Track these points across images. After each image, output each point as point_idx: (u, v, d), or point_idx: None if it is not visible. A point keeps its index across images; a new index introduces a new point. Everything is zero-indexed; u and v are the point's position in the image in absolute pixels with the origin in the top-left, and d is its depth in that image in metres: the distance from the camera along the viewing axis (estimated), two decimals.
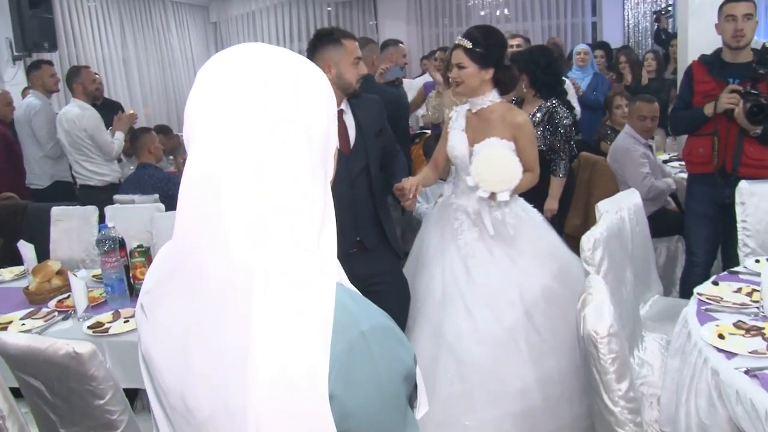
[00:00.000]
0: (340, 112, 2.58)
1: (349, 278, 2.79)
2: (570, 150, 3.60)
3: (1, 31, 6.83)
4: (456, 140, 2.82)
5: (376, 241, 2.74)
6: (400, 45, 5.23)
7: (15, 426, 1.89)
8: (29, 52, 6.74)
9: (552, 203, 3.51)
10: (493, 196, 2.64)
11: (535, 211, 2.92)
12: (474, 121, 2.80)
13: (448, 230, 2.84)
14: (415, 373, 0.86)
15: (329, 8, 11.52)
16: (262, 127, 0.77)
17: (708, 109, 3.20)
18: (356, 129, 2.63)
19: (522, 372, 2.61)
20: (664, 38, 7.23)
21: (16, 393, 1.92)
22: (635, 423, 1.55)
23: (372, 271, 2.66)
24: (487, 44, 2.70)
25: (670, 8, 7.19)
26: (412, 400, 0.88)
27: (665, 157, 5.05)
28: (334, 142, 0.89)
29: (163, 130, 6.13)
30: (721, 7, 3.23)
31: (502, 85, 2.79)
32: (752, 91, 3.06)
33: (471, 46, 2.69)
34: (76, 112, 4.74)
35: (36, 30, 6.66)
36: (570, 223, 4.04)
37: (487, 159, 2.66)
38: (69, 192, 5.16)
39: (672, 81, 5.66)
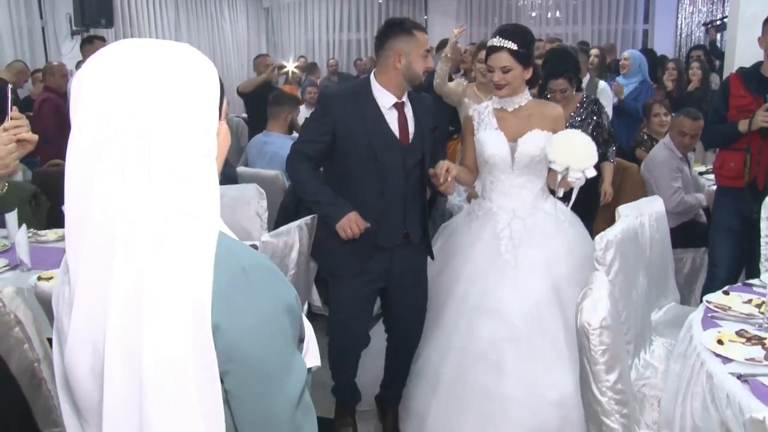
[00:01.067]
0: (401, 105, 2.58)
1: (379, 273, 2.72)
2: (614, 137, 3.81)
3: (62, 7, 7.13)
4: (492, 139, 2.75)
5: (420, 237, 2.71)
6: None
7: (48, 370, 2.04)
8: (87, 28, 7.00)
9: (608, 186, 3.67)
10: (568, 172, 2.58)
11: (578, 219, 2.89)
12: (509, 119, 2.75)
13: (484, 237, 2.75)
14: (297, 310, 0.95)
15: (380, 1, 11.61)
16: (148, 120, 0.87)
17: (743, 126, 3.19)
18: (415, 123, 2.61)
19: (559, 383, 2.50)
20: (713, 50, 7.12)
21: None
22: (621, 414, 1.61)
23: (404, 267, 2.68)
24: (527, 44, 2.68)
25: (722, 20, 7.06)
26: (298, 341, 0.98)
27: (702, 168, 5.02)
28: (214, 122, 0.95)
29: None
30: (766, 21, 3.20)
31: (529, 83, 2.79)
32: None
33: (516, 48, 2.63)
34: None
35: (95, 7, 6.93)
36: (597, 227, 4.06)
37: (564, 138, 2.61)
38: None
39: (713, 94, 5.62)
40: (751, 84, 3.27)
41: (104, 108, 0.87)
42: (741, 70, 3.40)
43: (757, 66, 3.30)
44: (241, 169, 4.51)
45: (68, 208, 0.91)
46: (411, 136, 2.59)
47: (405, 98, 2.60)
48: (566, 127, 3.58)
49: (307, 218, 2.77)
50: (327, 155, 2.58)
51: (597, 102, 3.73)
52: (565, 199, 2.77)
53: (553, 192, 2.78)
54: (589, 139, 2.65)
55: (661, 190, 3.95)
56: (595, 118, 3.66)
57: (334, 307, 2.76)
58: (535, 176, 2.77)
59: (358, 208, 2.52)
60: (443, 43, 5.46)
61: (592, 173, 2.58)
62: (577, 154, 2.54)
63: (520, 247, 2.67)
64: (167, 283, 0.85)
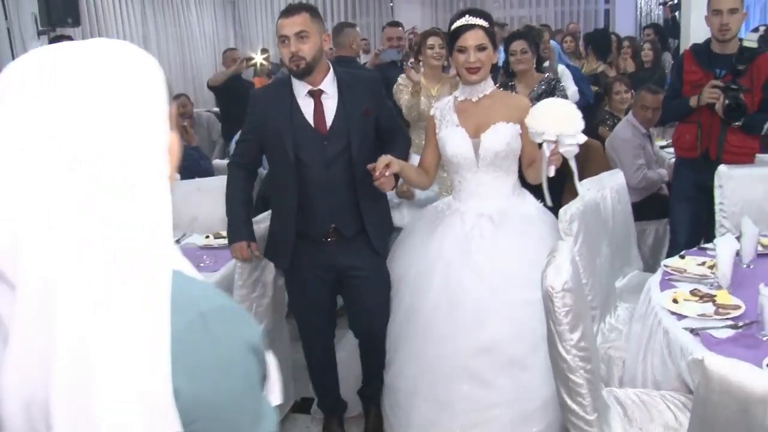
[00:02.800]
0: (318, 93, 2.49)
1: (324, 267, 2.63)
2: None
3: (27, 6, 7.06)
4: (453, 137, 2.56)
5: (355, 231, 2.57)
6: (397, 27, 5.33)
7: None
8: (53, 27, 6.95)
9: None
10: (558, 140, 2.27)
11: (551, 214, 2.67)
12: (472, 110, 2.57)
13: (450, 238, 2.55)
14: (261, 349, 0.84)
15: None
16: (84, 132, 0.72)
17: (693, 101, 3.35)
18: (338, 109, 2.50)
19: (542, 386, 2.35)
20: (668, 28, 7.31)
21: None
22: (585, 370, 1.75)
23: (348, 263, 2.58)
24: (493, 24, 2.56)
25: None
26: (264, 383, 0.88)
27: (663, 143, 5.20)
28: (164, 138, 0.79)
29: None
30: (709, 1, 3.36)
31: (494, 70, 2.80)
32: (732, 86, 3.21)
33: (488, 26, 2.49)
34: None
35: (60, 5, 6.87)
36: (565, 201, 4.22)
37: (548, 106, 2.32)
38: None
39: (662, 71, 5.87)
40: (702, 60, 3.43)
41: (22, 131, 0.71)
42: (693, 46, 3.56)
43: (708, 42, 3.46)
44: (216, 161, 4.59)
45: None
46: (329, 124, 2.49)
47: (327, 85, 2.50)
48: None
49: None
50: (257, 154, 2.64)
51: (556, 80, 3.88)
52: (556, 185, 2.59)
53: (526, 186, 2.67)
54: (568, 101, 2.49)
55: (625, 166, 4.11)
56: (548, 93, 3.75)
57: (292, 300, 2.81)
58: (504, 172, 2.58)
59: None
60: (387, 24, 5.49)
61: (583, 138, 2.31)
62: (564, 118, 2.27)
63: (492, 247, 2.49)
64: (116, 346, 0.70)
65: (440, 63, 3.77)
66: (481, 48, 2.46)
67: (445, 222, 2.61)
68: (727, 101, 3.20)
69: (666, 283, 2.31)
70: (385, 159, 2.38)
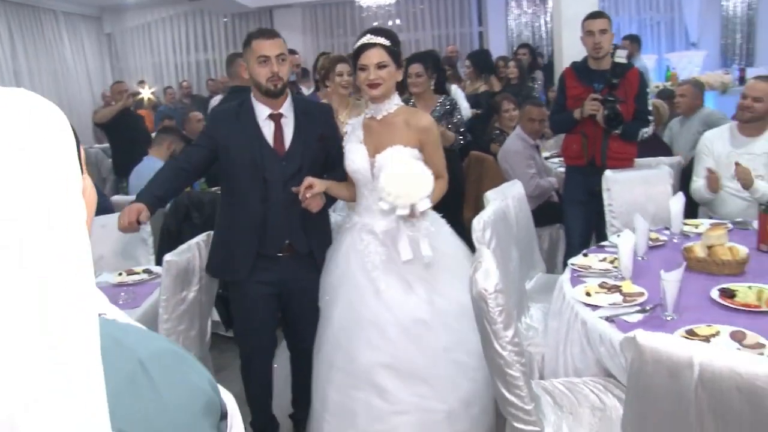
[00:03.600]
0: (278, 116, 2.61)
1: (273, 282, 2.71)
2: (462, 132, 4.20)
3: None
4: (354, 153, 2.60)
5: (307, 248, 2.70)
6: (294, 55, 5.48)
7: None
8: None
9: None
10: (413, 209, 2.38)
11: (441, 220, 2.71)
12: (376, 128, 2.60)
13: (353, 254, 2.61)
14: (215, 398, 0.79)
15: (225, 19, 11.63)
16: None
17: (576, 114, 3.68)
18: (295, 133, 2.62)
19: (445, 396, 2.49)
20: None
21: None
22: (521, 363, 1.89)
23: (295, 275, 2.69)
24: (396, 43, 2.59)
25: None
26: (220, 419, 0.80)
27: (547, 154, 5.58)
28: (77, 180, 0.71)
29: None
30: (582, 23, 3.71)
31: (401, 87, 2.75)
32: (609, 98, 3.56)
33: (389, 44, 2.52)
34: None
35: None
36: (466, 215, 4.45)
37: (393, 174, 2.39)
38: None
39: (532, 88, 6.45)
40: (581, 76, 3.77)
41: None
42: (573, 64, 3.89)
43: (585, 60, 3.80)
44: (115, 198, 4.47)
45: None
46: (287, 147, 2.62)
47: (285, 109, 2.62)
48: None
49: (203, 236, 2.87)
50: (202, 163, 2.67)
51: (452, 102, 4.16)
52: None
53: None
54: (422, 168, 2.43)
55: (519, 177, 4.37)
56: (450, 118, 4.10)
57: (235, 314, 2.85)
58: None
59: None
60: (290, 51, 5.65)
61: (424, 206, 2.40)
62: (405, 186, 2.36)
63: (386, 264, 2.54)
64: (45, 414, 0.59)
65: (348, 91, 3.87)
66: (381, 66, 2.48)
67: (347, 236, 2.67)
68: (606, 112, 3.54)
69: (576, 280, 2.52)
70: (306, 181, 2.52)
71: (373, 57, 2.49)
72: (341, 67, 3.80)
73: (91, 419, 0.61)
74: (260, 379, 2.86)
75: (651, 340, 1.38)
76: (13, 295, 0.60)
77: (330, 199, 2.84)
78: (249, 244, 2.63)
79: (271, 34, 2.59)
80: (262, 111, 2.62)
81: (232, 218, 2.70)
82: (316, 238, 2.73)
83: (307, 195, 2.52)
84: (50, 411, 0.59)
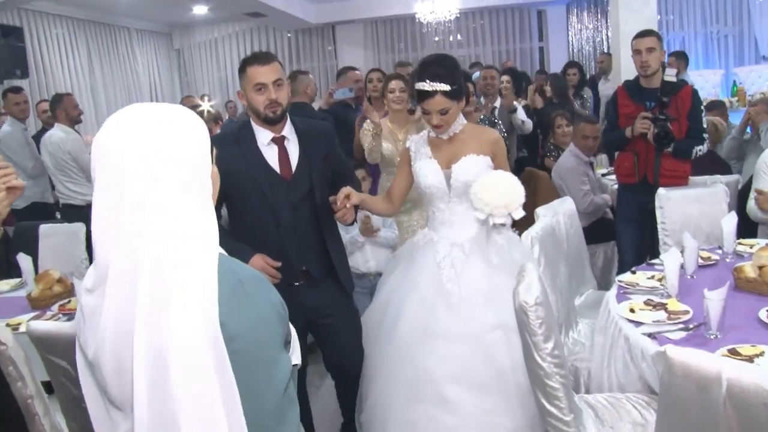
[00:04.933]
0: (281, 139, 2.56)
1: (297, 309, 2.48)
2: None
3: None
4: (428, 169, 2.68)
5: (324, 272, 2.62)
6: (355, 72, 5.61)
7: (41, 405, 2.20)
8: (1, 80, 6.98)
9: None
10: (509, 218, 2.49)
11: (514, 233, 2.78)
12: (444, 144, 2.70)
13: (424, 269, 2.65)
14: (284, 314, 1.21)
15: (289, 35, 11.94)
16: (160, 174, 1.09)
17: (628, 132, 3.70)
18: (300, 155, 2.58)
19: (513, 412, 2.45)
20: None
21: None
22: (561, 375, 1.94)
23: (320, 302, 2.61)
24: (457, 78, 2.60)
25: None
26: (286, 341, 1.24)
27: (603, 171, 5.56)
28: (209, 167, 1.19)
29: None
30: (631, 41, 3.74)
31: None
32: (660, 117, 3.57)
33: (449, 88, 2.55)
34: (60, 136, 5.09)
35: (8, 58, 6.92)
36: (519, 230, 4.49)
37: (486, 183, 2.49)
38: (45, 212, 5.43)
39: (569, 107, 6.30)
40: (633, 94, 3.79)
41: (125, 159, 1.09)
42: (625, 83, 3.92)
43: (637, 79, 3.82)
44: None
45: (97, 243, 1.12)
46: (293, 170, 2.56)
47: (288, 132, 2.58)
48: None
49: None
50: (222, 198, 2.47)
51: (491, 122, 4.16)
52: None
53: None
54: (511, 178, 2.54)
55: (573, 194, 4.40)
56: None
57: None
58: None
59: (252, 245, 2.50)
60: (344, 70, 5.81)
61: (519, 214, 2.48)
62: (499, 195, 2.46)
63: (462, 276, 2.57)
64: (184, 296, 1.07)
65: (402, 107, 3.87)
66: (443, 112, 2.57)
67: (421, 252, 2.72)
68: (656, 130, 3.54)
69: (622, 296, 2.55)
70: (345, 190, 2.49)
71: (435, 105, 2.57)
72: (393, 84, 3.81)
73: (206, 308, 1.07)
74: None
75: (680, 354, 1.42)
76: (168, 231, 1.09)
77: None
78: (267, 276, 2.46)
79: (266, 59, 2.51)
80: (264, 136, 2.55)
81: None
82: (339, 261, 2.66)
83: (346, 204, 2.49)
84: (183, 296, 1.06)
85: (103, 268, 1.11)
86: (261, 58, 2.52)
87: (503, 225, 2.52)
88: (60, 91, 7.48)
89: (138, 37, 10.64)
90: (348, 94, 5.08)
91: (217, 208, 2.55)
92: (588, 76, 8.11)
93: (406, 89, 3.69)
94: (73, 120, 5.21)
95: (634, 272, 2.81)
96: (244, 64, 2.52)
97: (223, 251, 1.17)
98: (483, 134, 2.73)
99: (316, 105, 5.95)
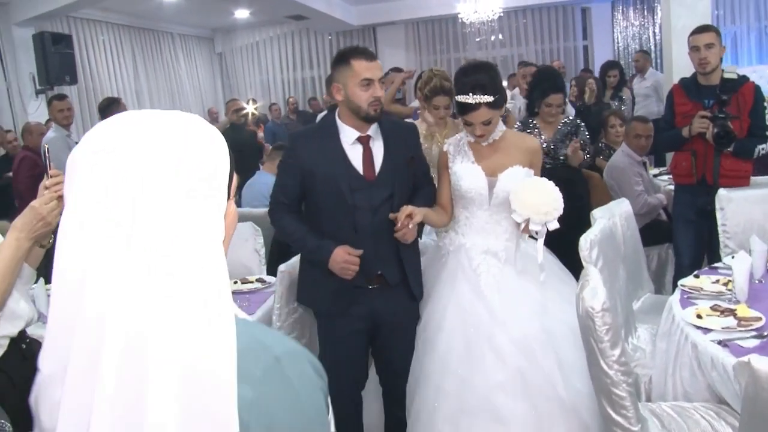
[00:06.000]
0: (367, 138, 2.46)
1: (367, 312, 2.56)
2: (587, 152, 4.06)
3: (26, 67, 7.24)
4: (469, 172, 2.62)
5: (399, 278, 2.54)
6: (399, 72, 5.58)
7: None
8: (51, 86, 7.12)
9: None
10: (543, 226, 2.45)
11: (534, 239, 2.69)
12: (485, 151, 2.64)
13: (461, 276, 2.61)
14: (325, 386, 0.91)
15: (330, 37, 11.97)
16: (154, 195, 0.77)
17: (685, 132, 3.56)
18: (385, 156, 2.48)
19: (566, 420, 2.40)
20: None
21: None
22: (627, 383, 1.87)
23: (390, 307, 2.53)
24: (498, 86, 2.56)
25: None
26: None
27: (656, 171, 5.42)
28: (223, 201, 0.85)
29: None
30: (688, 38, 3.60)
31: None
32: (720, 115, 3.43)
33: (492, 99, 2.49)
34: None
35: (58, 65, 7.06)
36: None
37: (529, 189, 2.46)
38: None
39: (608, 105, 6.24)
40: (690, 92, 3.65)
41: (102, 187, 0.77)
42: (682, 80, 3.78)
43: (695, 75, 3.68)
44: None
45: (55, 299, 0.78)
46: (377, 171, 2.47)
47: (373, 131, 2.48)
48: (547, 146, 3.89)
49: None
50: (299, 195, 2.53)
51: (578, 123, 3.97)
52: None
53: None
54: (553, 190, 2.47)
55: (627, 194, 4.28)
56: (573, 134, 3.93)
57: (323, 348, 2.67)
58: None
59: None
60: (393, 69, 5.76)
61: (554, 226, 2.44)
62: (542, 203, 2.42)
63: (501, 283, 2.55)
64: (180, 401, 0.73)
65: (444, 122, 3.55)
66: (486, 123, 2.53)
67: (452, 258, 2.67)
68: (715, 129, 3.41)
69: (686, 301, 2.45)
70: (406, 209, 2.39)
71: (479, 117, 2.51)
72: (438, 101, 3.45)
73: (224, 404, 0.74)
74: (350, 411, 2.68)
75: (767, 365, 1.34)
76: (166, 298, 0.74)
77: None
78: (337, 275, 2.43)
79: (372, 54, 2.45)
80: (349, 134, 2.45)
81: None
82: (409, 265, 2.57)
83: (409, 225, 2.40)
84: (178, 402, 0.73)
85: (61, 350, 0.77)
86: (367, 53, 2.44)
87: (536, 232, 2.48)
88: (107, 96, 7.63)
89: (181, 41, 10.79)
90: (397, 95, 5.05)
91: (297, 207, 2.58)
92: (628, 76, 7.95)
93: (450, 106, 3.43)
94: None
95: (697, 276, 2.71)
96: (346, 56, 2.41)
97: (242, 315, 0.89)
98: (524, 142, 2.70)
99: None
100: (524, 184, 2.48)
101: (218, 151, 0.85)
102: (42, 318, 3.04)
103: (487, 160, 2.63)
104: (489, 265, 2.59)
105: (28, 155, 5.60)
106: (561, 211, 2.44)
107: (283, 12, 9.83)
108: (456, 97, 2.57)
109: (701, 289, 2.56)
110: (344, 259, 2.38)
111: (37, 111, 7.13)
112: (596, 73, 7.62)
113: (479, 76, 2.51)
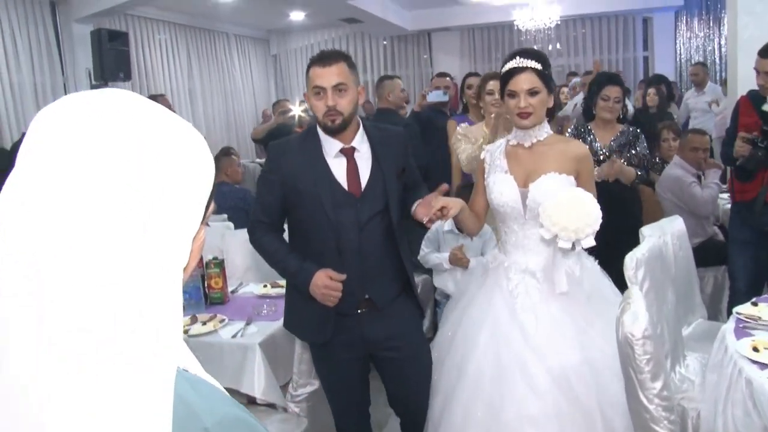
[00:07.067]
0: (351, 150, 2.26)
1: (357, 340, 2.35)
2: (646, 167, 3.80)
3: (82, 62, 7.39)
4: (502, 185, 2.40)
5: (392, 298, 2.35)
6: (445, 78, 5.37)
7: None
8: (106, 82, 7.22)
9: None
10: (574, 244, 2.18)
11: (591, 258, 2.51)
12: (524, 157, 2.42)
13: (497, 294, 2.41)
14: None
15: (385, 42, 11.91)
16: (97, 197, 0.62)
17: (734, 150, 3.34)
18: (373, 168, 2.28)
19: None
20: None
21: None
22: (669, 420, 1.70)
23: (384, 333, 2.34)
24: (548, 65, 2.38)
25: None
26: None
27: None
28: (195, 221, 0.72)
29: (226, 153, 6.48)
30: (760, 52, 3.34)
31: (551, 113, 2.49)
32: (760, 144, 3.22)
33: (541, 68, 2.31)
34: None
35: (113, 61, 7.15)
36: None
37: (561, 202, 2.18)
38: None
39: (670, 115, 6.12)
40: (757, 104, 3.41)
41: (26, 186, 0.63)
42: (750, 92, 3.54)
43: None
44: None
45: None
46: (363, 186, 2.27)
47: (358, 142, 2.28)
48: (603, 152, 3.67)
49: None
50: (281, 213, 2.34)
51: (637, 134, 3.70)
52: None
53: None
54: (591, 201, 2.20)
55: (686, 200, 4.08)
56: (631, 149, 3.65)
57: (319, 374, 2.54)
58: None
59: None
60: (438, 76, 5.59)
61: (588, 244, 2.17)
62: (573, 218, 2.15)
63: (539, 306, 2.33)
64: None
65: (502, 110, 3.31)
66: (533, 92, 2.30)
67: (491, 276, 2.49)
68: (743, 157, 3.24)
69: (741, 331, 2.24)
70: (439, 201, 2.18)
71: (523, 83, 2.30)
72: (493, 84, 3.39)
73: None
74: (353, 426, 2.56)
75: None
76: (98, 338, 0.60)
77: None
78: (325, 305, 2.24)
79: (328, 59, 2.19)
80: (331, 146, 2.25)
81: None
82: (402, 283, 2.39)
83: (438, 216, 2.18)
84: None
85: None
86: (323, 57, 2.21)
87: (569, 250, 2.21)
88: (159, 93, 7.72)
89: (237, 42, 10.86)
90: (442, 97, 4.87)
91: (279, 225, 2.38)
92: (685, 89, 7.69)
93: None
94: None
95: (755, 304, 2.49)
96: (310, 64, 2.23)
97: (184, 359, 0.71)
98: (569, 148, 2.41)
99: (409, 108, 5.82)
100: (556, 197, 2.20)
101: (204, 163, 0.73)
102: None
103: (523, 167, 2.39)
104: (527, 286, 2.37)
105: None
106: (596, 228, 2.15)
107: (338, 15, 9.78)
108: (502, 69, 2.39)
109: (759, 318, 2.34)
110: (325, 283, 2.18)
111: None
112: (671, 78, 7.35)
113: (529, 50, 2.39)
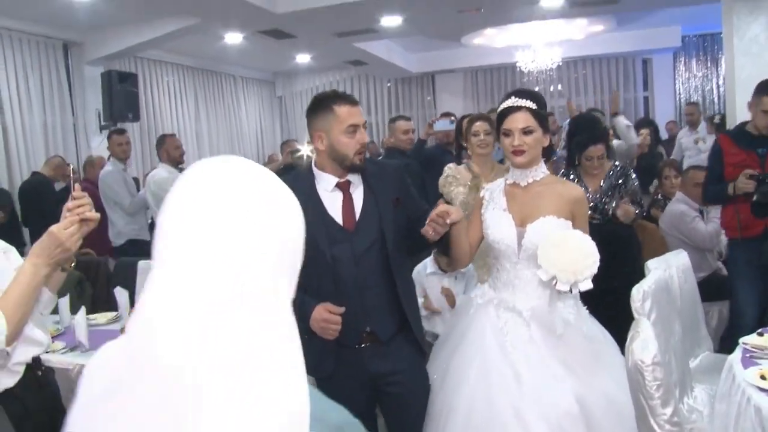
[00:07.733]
0: (347, 184, 2.30)
1: (361, 374, 2.35)
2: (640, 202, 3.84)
3: (92, 103, 7.54)
4: (499, 222, 2.41)
5: (393, 331, 2.34)
6: (408, 121, 5.40)
7: None
8: (115, 122, 7.36)
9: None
10: (572, 287, 2.18)
11: (580, 303, 2.46)
12: (520, 196, 2.42)
13: (489, 331, 2.38)
14: None
15: (389, 84, 12.11)
16: (234, 257, 0.76)
17: (730, 189, 3.39)
18: (366, 200, 2.31)
19: None
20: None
21: None
22: None
23: (388, 368, 2.33)
24: (543, 105, 2.41)
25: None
26: None
27: None
28: (299, 259, 0.87)
29: None
30: (755, 95, 3.43)
31: (548, 153, 2.53)
32: (766, 181, 3.26)
33: (536, 107, 2.34)
34: (163, 175, 5.26)
35: (122, 102, 7.31)
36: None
37: (560, 243, 2.20)
38: (141, 249, 5.59)
39: (660, 155, 6.39)
40: (740, 142, 3.49)
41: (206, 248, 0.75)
42: (728, 131, 3.64)
43: (742, 126, 3.54)
44: None
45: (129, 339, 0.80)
46: (357, 217, 2.30)
47: (354, 175, 2.32)
48: (595, 196, 3.70)
49: None
50: None
51: (625, 169, 3.77)
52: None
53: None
54: (590, 244, 2.21)
55: (690, 234, 4.12)
56: (621, 183, 3.71)
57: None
58: None
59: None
60: (444, 114, 5.71)
61: (586, 287, 2.17)
62: (571, 261, 2.15)
63: (529, 345, 2.30)
64: None
65: (486, 151, 3.44)
66: (527, 131, 2.32)
67: (481, 312, 2.46)
68: (755, 197, 3.27)
69: (748, 361, 2.27)
70: (441, 207, 2.19)
71: (518, 121, 2.33)
72: (477, 126, 3.40)
73: None
74: None
75: None
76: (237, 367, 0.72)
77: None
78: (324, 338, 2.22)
79: (354, 100, 2.28)
80: (327, 181, 2.29)
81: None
82: (413, 317, 2.38)
83: (443, 221, 2.15)
84: None
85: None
86: (350, 98, 2.28)
87: (566, 292, 2.22)
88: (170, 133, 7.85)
89: (243, 84, 11.06)
90: (449, 126, 4.93)
91: None
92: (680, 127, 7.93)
93: (492, 132, 3.31)
94: (175, 160, 5.38)
95: (761, 334, 2.51)
96: (328, 103, 2.24)
97: None
98: (565, 190, 2.43)
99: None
100: (553, 238, 2.22)
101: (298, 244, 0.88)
102: (80, 347, 3.07)
103: (521, 206, 2.40)
104: (515, 324, 2.35)
105: (87, 187, 5.72)
106: (594, 270, 2.16)
107: (344, 57, 9.99)
108: (498, 109, 2.43)
109: (765, 348, 2.37)
110: (323, 317, 2.17)
111: (100, 146, 7.34)
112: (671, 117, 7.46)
113: (525, 90, 2.44)
